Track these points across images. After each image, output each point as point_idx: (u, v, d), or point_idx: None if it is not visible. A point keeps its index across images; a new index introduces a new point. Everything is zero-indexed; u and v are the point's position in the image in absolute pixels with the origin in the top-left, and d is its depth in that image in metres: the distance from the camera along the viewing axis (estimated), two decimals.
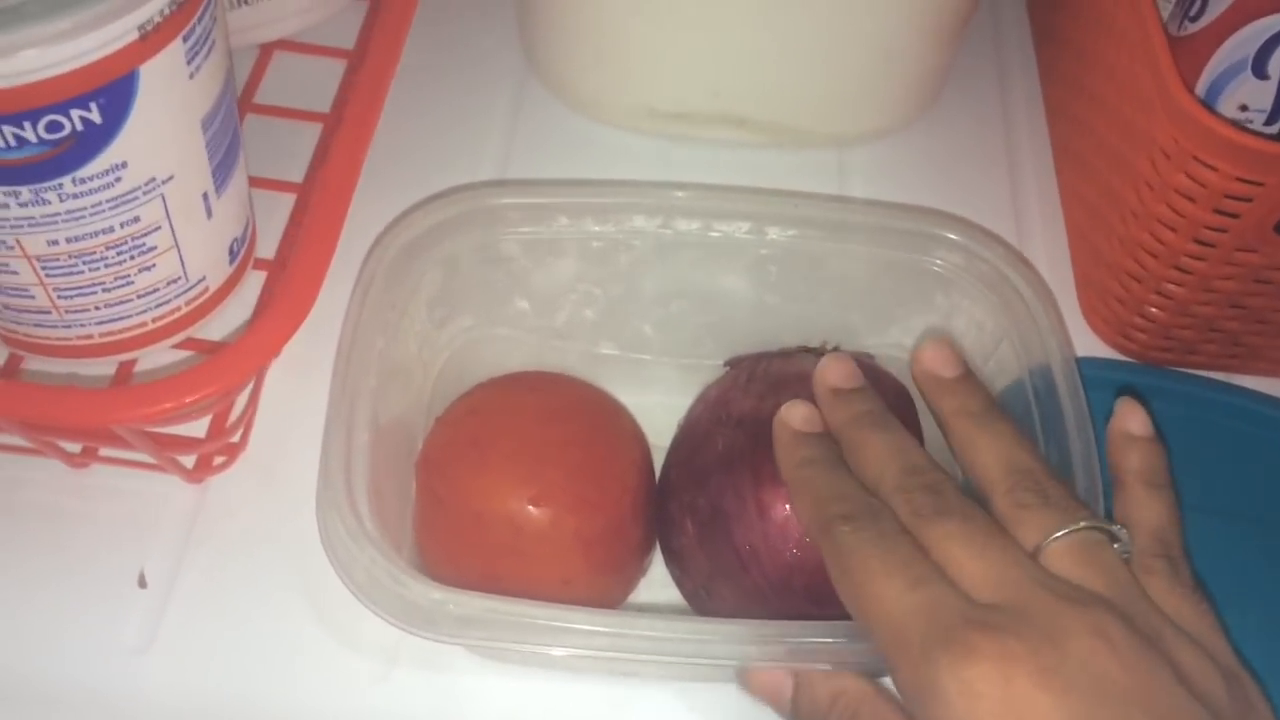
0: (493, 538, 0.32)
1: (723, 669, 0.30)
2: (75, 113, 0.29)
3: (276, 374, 0.38)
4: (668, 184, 0.35)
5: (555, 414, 0.34)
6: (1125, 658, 0.24)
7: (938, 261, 0.34)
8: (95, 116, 0.30)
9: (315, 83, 0.46)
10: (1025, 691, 0.23)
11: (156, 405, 0.29)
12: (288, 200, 0.42)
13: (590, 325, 0.38)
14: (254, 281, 0.40)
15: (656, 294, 0.37)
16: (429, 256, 0.34)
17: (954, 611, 0.24)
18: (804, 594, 0.30)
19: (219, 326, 0.39)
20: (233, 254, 0.38)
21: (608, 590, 0.33)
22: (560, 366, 0.37)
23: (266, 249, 0.41)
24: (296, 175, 0.43)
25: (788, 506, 0.30)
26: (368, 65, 0.37)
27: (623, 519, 0.33)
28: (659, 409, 0.36)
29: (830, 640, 0.28)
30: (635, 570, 0.34)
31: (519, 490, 0.32)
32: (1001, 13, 0.52)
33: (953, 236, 0.34)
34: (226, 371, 0.30)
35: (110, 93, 0.30)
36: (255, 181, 0.40)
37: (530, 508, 0.32)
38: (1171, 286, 0.38)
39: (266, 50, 0.47)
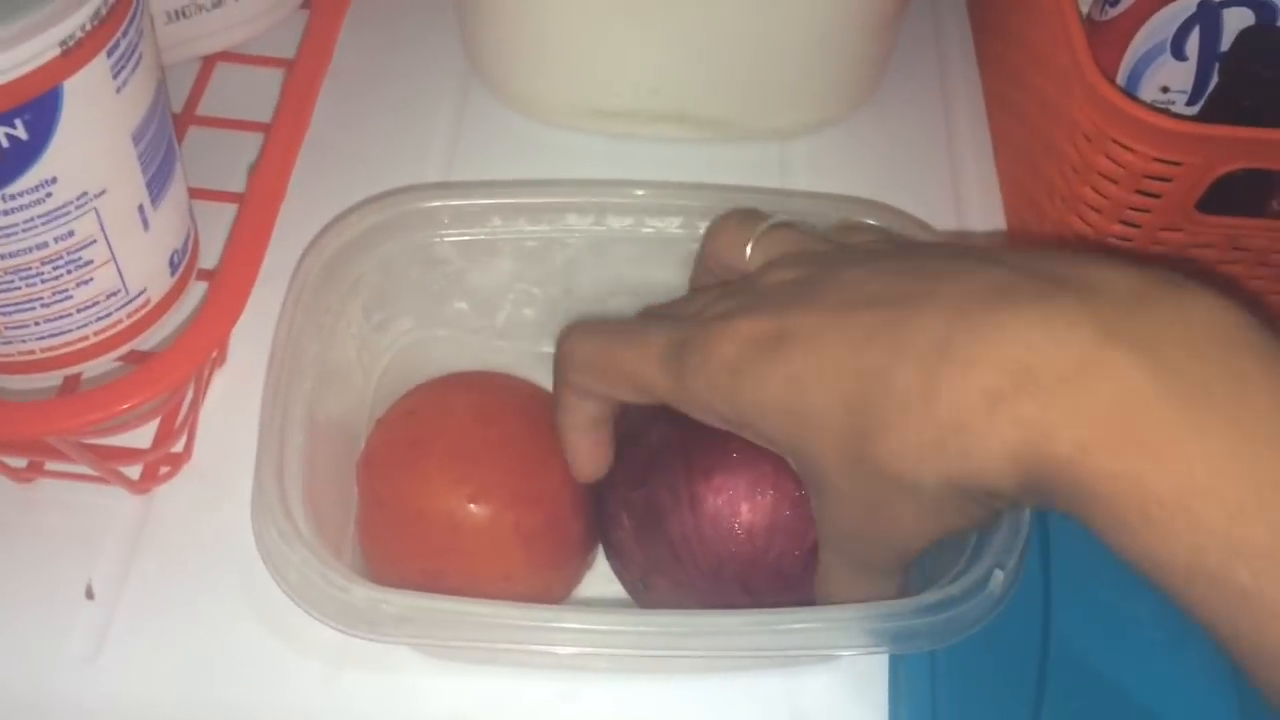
0: (433, 536, 0.32)
1: (661, 660, 0.31)
2: (0, 129, 0.29)
3: (221, 383, 0.38)
4: (599, 182, 0.36)
5: (492, 412, 0.34)
6: (807, 265, 0.29)
7: None
8: (20, 133, 0.30)
9: (258, 93, 0.46)
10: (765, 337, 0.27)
11: (90, 415, 0.30)
12: (232, 210, 0.42)
13: (531, 325, 0.38)
14: (198, 292, 0.40)
15: (594, 292, 0.37)
16: (363, 260, 0.34)
17: (692, 322, 0.28)
18: (737, 583, 0.30)
19: (163, 338, 0.39)
20: (174, 265, 0.38)
21: (549, 585, 0.34)
22: (502, 366, 0.37)
23: (211, 260, 0.41)
24: (239, 185, 0.43)
25: (720, 499, 0.30)
26: (296, 70, 0.37)
27: (562, 514, 0.33)
28: None
29: (765, 630, 0.28)
30: (577, 565, 0.35)
31: (457, 488, 0.32)
32: (940, 1, 0.53)
33: (872, 222, 0.34)
34: (160, 378, 0.30)
35: (34, 109, 0.30)
36: (198, 193, 0.40)
37: (469, 505, 0.32)
38: None
39: (209, 62, 0.47)
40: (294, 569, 0.28)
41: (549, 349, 0.38)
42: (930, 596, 0.28)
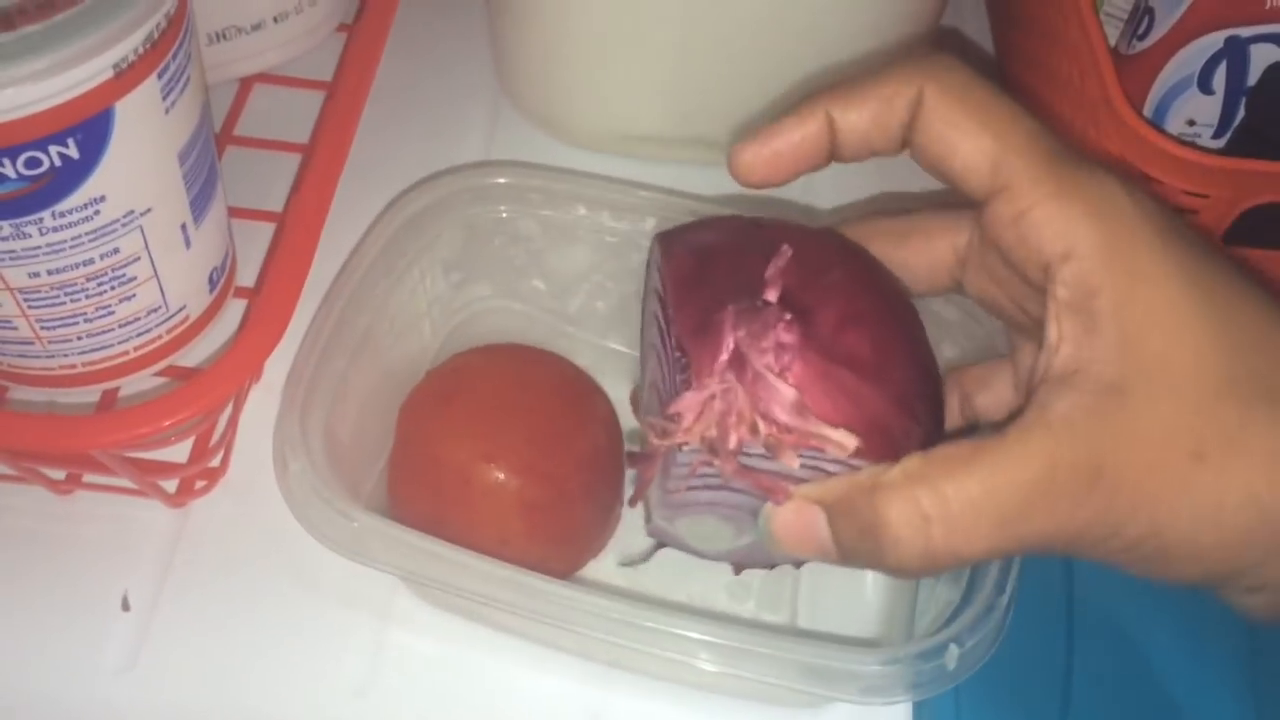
0: (443, 485, 0.34)
1: (674, 666, 0.31)
2: (53, 149, 0.30)
3: (256, 398, 0.39)
4: (686, 194, 0.37)
5: (528, 384, 0.36)
6: None
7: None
8: (73, 152, 0.31)
9: (295, 114, 0.47)
10: None
11: (134, 430, 0.30)
12: (268, 229, 0.43)
13: (601, 317, 0.40)
14: (235, 309, 0.41)
15: None
16: (449, 219, 0.36)
17: None
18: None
19: (201, 354, 0.40)
20: (212, 283, 0.39)
21: (545, 560, 0.34)
22: (565, 350, 0.39)
23: (247, 277, 0.41)
24: (276, 205, 0.44)
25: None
26: (338, 94, 0.38)
27: (570, 494, 0.34)
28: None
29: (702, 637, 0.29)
30: (579, 547, 0.36)
31: (474, 444, 0.34)
32: (965, 26, 0.54)
33: None
34: (202, 395, 0.31)
35: (87, 129, 0.31)
36: (236, 211, 0.41)
37: (480, 463, 0.33)
38: None
39: (247, 83, 0.48)
40: (292, 475, 0.30)
41: (614, 345, 0.40)
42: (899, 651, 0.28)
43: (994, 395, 0.30)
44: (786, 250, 0.27)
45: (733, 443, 0.26)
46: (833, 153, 0.27)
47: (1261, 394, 0.22)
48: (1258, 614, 0.24)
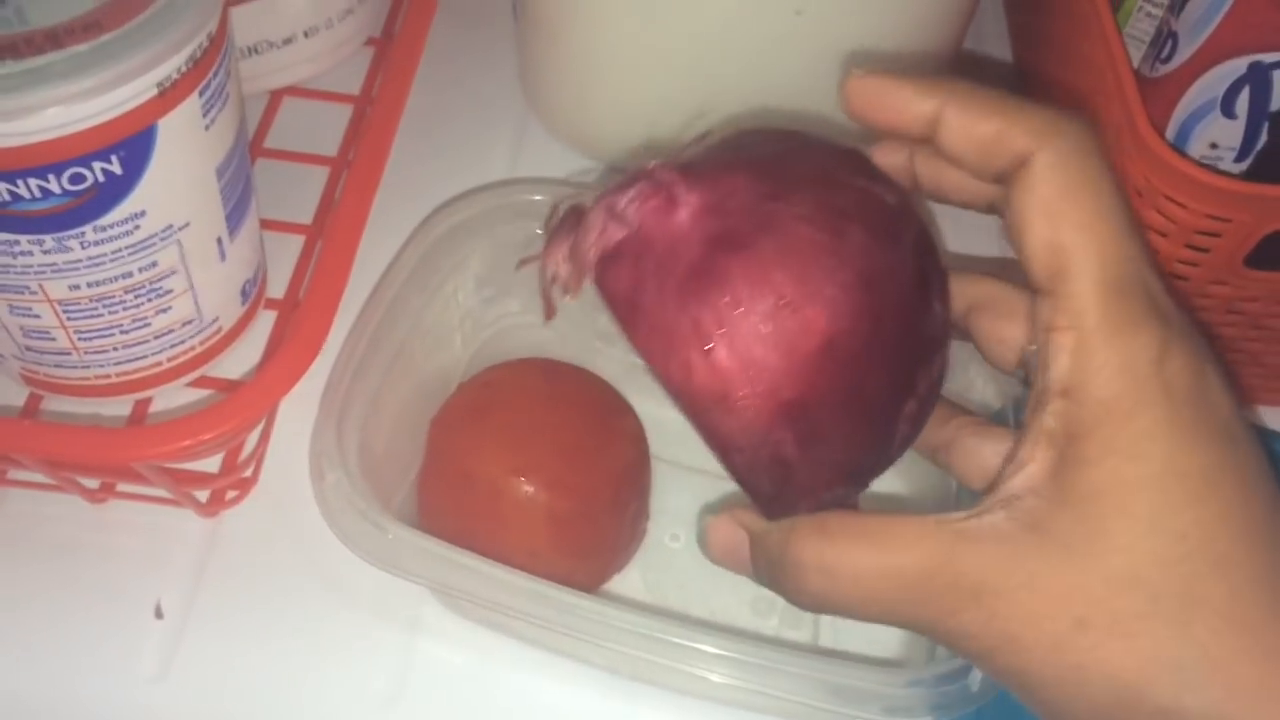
0: (474, 498, 0.34)
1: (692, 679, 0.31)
2: (97, 165, 0.31)
3: (287, 409, 0.39)
4: None
5: (560, 400, 0.36)
6: None
7: None
8: (116, 168, 0.31)
9: (323, 127, 0.47)
10: None
11: (176, 443, 0.31)
12: (297, 241, 0.43)
13: None
14: (265, 320, 0.41)
15: None
16: (483, 235, 0.37)
17: None
18: None
19: (231, 364, 0.40)
20: (245, 295, 0.39)
21: (572, 573, 0.35)
22: (594, 367, 0.39)
23: (277, 289, 0.42)
24: (305, 217, 0.44)
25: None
26: (375, 112, 0.39)
27: (597, 508, 0.35)
28: (677, 426, 0.37)
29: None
30: (605, 561, 0.36)
31: (504, 457, 0.34)
32: (986, 52, 0.54)
33: None
34: (242, 409, 0.32)
35: (130, 146, 0.31)
36: (265, 223, 0.42)
37: (510, 476, 0.34)
38: None
39: (276, 96, 0.48)
40: (328, 486, 0.31)
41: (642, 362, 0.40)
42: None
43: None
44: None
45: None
46: (925, 140, 0.25)
47: (1175, 594, 0.22)
48: None
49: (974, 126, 0.24)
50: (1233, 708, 0.21)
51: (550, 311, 0.26)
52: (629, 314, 0.24)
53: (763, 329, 0.22)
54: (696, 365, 0.23)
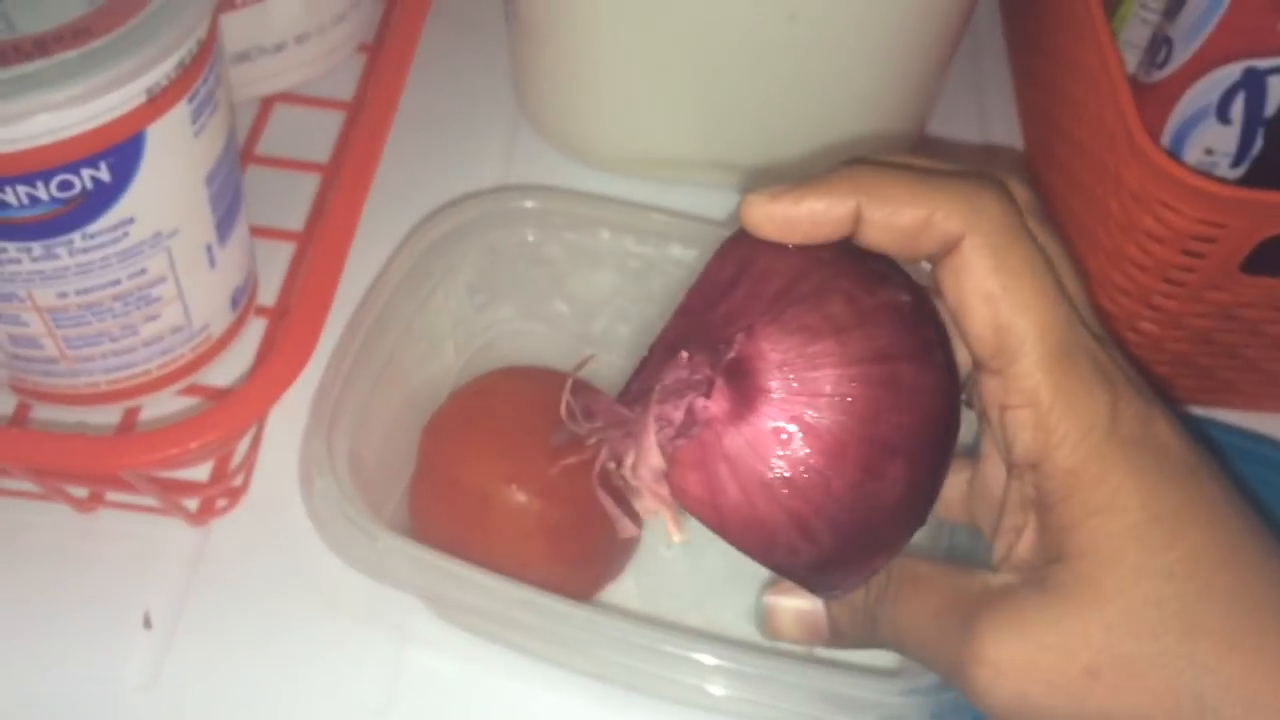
0: (464, 506, 0.34)
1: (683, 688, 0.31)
2: (86, 172, 0.31)
3: (278, 418, 0.39)
4: (707, 220, 0.37)
5: (551, 407, 0.35)
6: None
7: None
8: (104, 175, 0.31)
9: (315, 133, 0.47)
10: None
11: (164, 450, 0.30)
12: (288, 248, 0.43)
13: (624, 340, 0.40)
14: (255, 328, 0.41)
15: None
16: (473, 241, 0.37)
17: None
18: None
19: (221, 372, 0.40)
20: (235, 302, 0.39)
21: (564, 583, 0.35)
22: (588, 374, 0.38)
23: (267, 296, 0.42)
24: (296, 224, 0.44)
25: None
26: (365, 118, 0.38)
27: (591, 518, 0.34)
28: None
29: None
30: (598, 570, 0.36)
31: (495, 465, 0.34)
32: (982, 54, 0.54)
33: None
34: (231, 417, 0.31)
35: (119, 153, 0.31)
36: (255, 230, 0.41)
37: (503, 484, 0.34)
38: (1145, 324, 0.39)
39: (267, 103, 0.48)
40: (318, 494, 0.31)
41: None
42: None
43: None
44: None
45: (601, 458, 0.26)
46: (849, 235, 0.25)
47: (1174, 630, 0.23)
48: None
49: (894, 220, 0.24)
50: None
51: (636, 527, 0.27)
52: (713, 515, 0.25)
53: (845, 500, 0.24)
54: (799, 548, 0.24)
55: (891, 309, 0.24)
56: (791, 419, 0.23)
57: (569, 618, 0.30)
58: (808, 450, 0.23)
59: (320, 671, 0.35)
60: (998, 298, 0.23)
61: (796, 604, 0.28)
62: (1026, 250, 0.24)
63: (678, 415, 0.24)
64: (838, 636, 0.28)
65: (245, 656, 0.35)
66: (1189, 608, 0.23)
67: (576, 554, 0.35)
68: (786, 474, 0.23)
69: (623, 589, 0.37)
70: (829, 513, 0.24)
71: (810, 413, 0.23)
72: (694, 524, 0.25)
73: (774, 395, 0.23)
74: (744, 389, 0.24)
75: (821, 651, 0.37)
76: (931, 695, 0.28)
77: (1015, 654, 0.23)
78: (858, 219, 0.24)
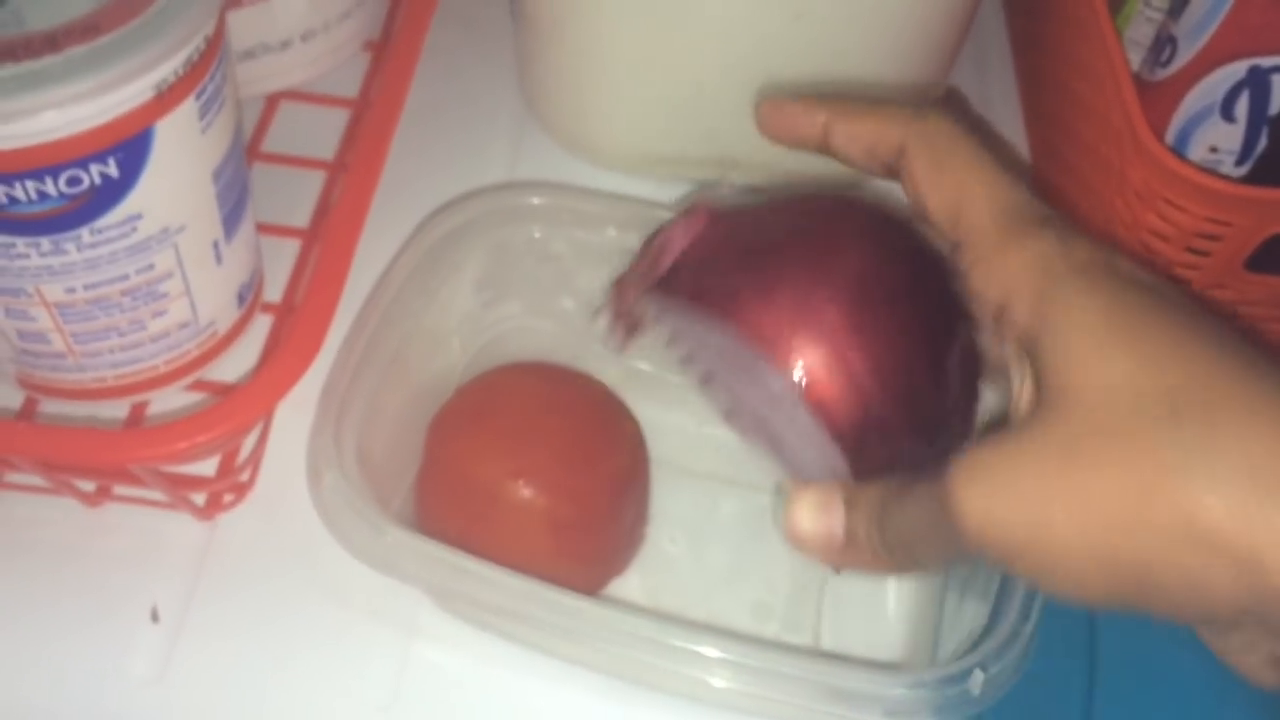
0: (472, 502, 0.34)
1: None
2: (94, 168, 0.31)
3: (285, 413, 0.39)
4: None
5: (560, 404, 0.36)
6: None
7: None
8: (113, 171, 0.31)
9: (320, 131, 0.47)
10: None
11: (171, 445, 0.30)
12: (293, 245, 0.43)
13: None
14: (262, 324, 0.41)
15: None
16: (477, 239, 0.37)
17: None
18: None
19: (228, 368, 0.40)
20: (241, 298, 0.39)
21: (570, 578, 0.34)
22: (594, 370, 0.39)
23: (273, 293, 0.42)
24: (302, 221, 0.44)
25: None
26: (372, 116, 0.38)
27: (597, 513, 0.35)
28: (675, 430, 0.38)
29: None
30: (604, 565, 0.36)
31: (502, 461, 0.34)
32: (986, 54, 0.54)
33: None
34: (238, 411, 0.31)
35: (127, 148, 0.31)
36: (262, 227, 0.42)
37: (509, 480, 0.34)
38: None
39: (273, 100, 0.48)
40: (326, 488, 0.31)
41: (643, 365, 0.40)
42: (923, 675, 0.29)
43: None
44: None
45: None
46: (825, 149, 0.30)
47: (1163, 407, 0.22)
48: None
49: (854, 130, 0.29)
50: None
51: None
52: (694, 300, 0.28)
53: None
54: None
55: (879, 209, 0.29)
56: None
57: (576, 611, 0.30)
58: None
59: (327, 665, 0.35)
60: (939, 182, 0.27)
61: (816, 496, 0.28)
62: (961, 141, 0.27)
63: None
64: (852, 544, 0.27)
65: (252, 650, 0.35)
66: (1158, 398, 0.22)
67: (582, 549, 0.35)
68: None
69: (627, 585, 0.37)
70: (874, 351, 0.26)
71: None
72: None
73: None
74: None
75: (826, 644, 0.37)
76: (935, 689, 0.28)
77: (994, 480, 0.23)
78: (828, 130, 0.29)
